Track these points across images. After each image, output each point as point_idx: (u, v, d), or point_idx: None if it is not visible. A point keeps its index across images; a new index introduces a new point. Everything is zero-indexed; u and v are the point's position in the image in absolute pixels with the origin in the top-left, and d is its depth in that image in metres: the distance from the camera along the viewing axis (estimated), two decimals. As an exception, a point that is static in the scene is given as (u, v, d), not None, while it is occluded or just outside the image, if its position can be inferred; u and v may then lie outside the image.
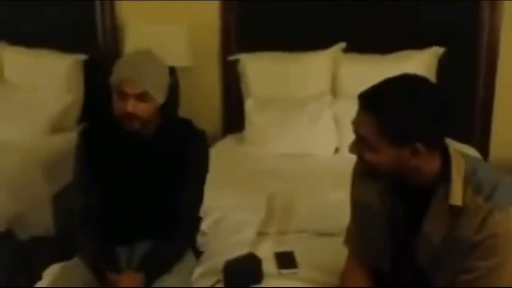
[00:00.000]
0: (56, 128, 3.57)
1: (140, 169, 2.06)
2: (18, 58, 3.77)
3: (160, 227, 2.02)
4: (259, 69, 3.55)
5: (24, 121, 3.48)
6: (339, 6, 3.48)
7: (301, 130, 3.27)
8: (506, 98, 3.46)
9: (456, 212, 1.50)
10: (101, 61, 3.68)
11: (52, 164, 3.25)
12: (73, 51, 3.70)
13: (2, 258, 2.86)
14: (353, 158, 1.61)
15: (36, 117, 3.51)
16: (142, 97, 1.94)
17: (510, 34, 3.39)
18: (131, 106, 1.93)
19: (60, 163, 3.20)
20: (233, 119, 3.72)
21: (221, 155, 3.03)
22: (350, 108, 1.59)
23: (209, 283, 1.96)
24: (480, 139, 3.49)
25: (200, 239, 2.24)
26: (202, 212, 2.18)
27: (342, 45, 3.50)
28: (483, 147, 3.44)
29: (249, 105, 3.47)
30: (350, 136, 1.55)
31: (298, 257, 2.08)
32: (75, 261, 2.06)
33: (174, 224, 2.02)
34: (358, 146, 1.54)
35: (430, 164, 1.52)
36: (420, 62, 3.26)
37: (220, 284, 1.95)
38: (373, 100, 1.48)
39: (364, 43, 3.39)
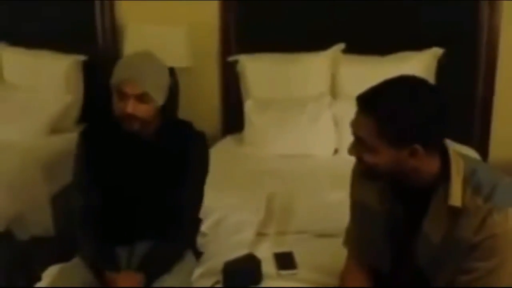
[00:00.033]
0: (56, 128, 3.57)
1: (140, 170, 2.06)
2: (18, 58, 3.78)
3: (160, 227, 2.02)
4: (259, 70, 3.55)
5: (23, 121, 3.48)
6: (339, 7, 3.48)
7: (301, 131, 3.28)
8: (506, 98, 3.47)
9: (456, 213, 1.50)
10: (101, 61, 3.69)
11: (51, 164, 3.25)
12: (72, 51, 3.70)
13: (1, 259, 2.86)
14: (352, 159, 1.61)
15: (35, 118, 3.51)
16: (142, 98, 1.94)
17: (510, 34, 3.39)
18: (131, 107, 1.93)
19: (59, 163, 3.20)
20: (233, 119, 3.72)
21: (221, 155, 3.03)
22: (349, 109, 1.60)
23: (208, 284, 1.96)
24: (480, 139, 3.49)
25: (200, 240, 2.24)
26: (202, 213, 2.18)
27: (342, 46, 3.50)
28: (483, 148, 3.44)
29: (249, 105, 3.47)
30: (350, 137, 1.56)
31: (298, 258, 2.08)
32: (75, 262, 2.06)
33: (174, 224, 2.03)
34: (357, 147, 1.54)
35: (429, 165, 1.52)
36: (420, 63, 3.26)
37: (220, 285, 1.95)
38: (371, 102, 1.48)
39: (364, 44, 3.39)
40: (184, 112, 3.20)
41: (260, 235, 2.32)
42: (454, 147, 1.60)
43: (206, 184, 2.13)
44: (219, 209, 2.46)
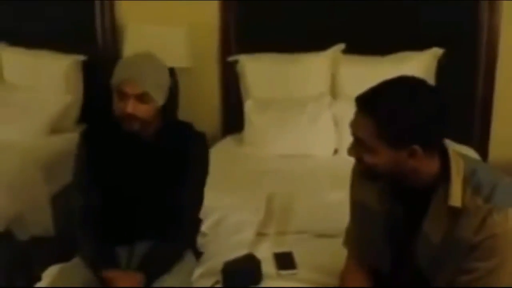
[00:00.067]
0: (55, 128, 3.57)
1: (140, 170, 2.06)
2: (18, 58, 3.77)
3: (160, 228, 2.02)
4: (259, 70, 3.55)
5: (23, 121, 3.48)
6: (339, 7, 3.48)
7: (301, 131, 3.28)
8: (506, 98, 3.47)
9: (456, 213, 1.50)
10: (101, 62, 3.69)
11: (51, 164, 3.25)
12: (72, 51, 3.70)
13: (1, 259, 2.86)
14: (352, 159, 1.61)
15: (35, 118, 3.51)
16: (142, 97, 1.94)
17: (509, 34, 3.39)
18: (131, 107, 1.93)
19: (59, 163, 3.20)
20: (233, 119, 3.72)
21: (221, 155, 3.03)
22: (349, 109, 1.59)
23: (208, 284, 1.96)
24: (480, 139, 3.49)
25: (200, 240, 2.24)
26: (202, 213, 2.18)
27: (342, 46, 3.50)
28: (483, 148, 3.45)
29: (249, 105, 3.47)
30: (349, 137, 1.56)
31: (297, 258, 2.08)
32: (75, 262, 2.06)
33: (174, 224, 2.03)
34: (357, 148, 1.54)
35: (429, 166, 1.52)
36: (420, 63, 3.27)
37: (219, 285, 1.94)
38: (370, 103, 1.48)
39: (364, 44, 3.39)
40: (184, 112, 3.20)
41: (260, 235, 2.32)
42: (454, 147, 1.60)
43: (206, 184, 2.13)
44: (219, 209, 2.46)
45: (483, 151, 3.43)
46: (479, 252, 1.49)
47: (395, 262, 1.67)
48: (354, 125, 1.53)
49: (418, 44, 3.34)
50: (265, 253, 2.11)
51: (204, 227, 2.31)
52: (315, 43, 3.47)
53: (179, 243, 2.08)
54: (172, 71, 2.22)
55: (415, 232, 1.58)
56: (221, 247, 2.21)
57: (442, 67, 3.32)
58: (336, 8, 3.49)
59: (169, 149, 2.06)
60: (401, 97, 1.47)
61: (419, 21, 3.40)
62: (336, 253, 1.92)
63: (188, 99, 3.60)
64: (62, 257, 2.15)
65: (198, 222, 2.21)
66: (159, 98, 1.99)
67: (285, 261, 2.07)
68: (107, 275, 1.90)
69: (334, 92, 3.47)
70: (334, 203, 2.38)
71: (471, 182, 1.51)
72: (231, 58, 3.64)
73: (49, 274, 2.09)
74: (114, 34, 3.80)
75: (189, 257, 2.10)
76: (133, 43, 3.49)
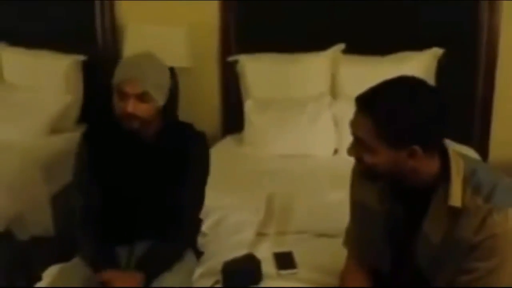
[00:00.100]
0: (55, 128, 3.57)
1: (140, 170, 2.06)
2: (18, 58, 3.77)
3: (160, 228, 2.02)
4: (259, 70, 3.55)
5: (23, 121, 3.48)
6: (339, 7, 3.48)
7: (301, 131, 3.28)
8: (506, 98, 3.47)
9: (456, 213, 1.50)
10: (101, 61, 3.69)
11: (51, 164, 3.25)
12: (72, 51, 3.70)
13: (1, 259, 2.86)
14: (352, 159, 1.61)
15: (35, 118, 3.51)
16: (142, 97, 1.94)
17: (509, 34, 3.39)
18: (131, 106, 1.93)
19: (59, 163, 3.20)
20: (233, 119, 3.72)
21: (221, 155, 3.03)
22: (349, 109, 1.59)
23: (208, 284, 1.97)
24: (480, 139, 3.49)
25: (200, 240, 2.24)
26: (202, 213, 2.18)
27: (342, 46, 3.50)
28: (483, 148, 3.44)
29: (249, 105, 3.47)
30: (349, 137, 1.56)
31: (297, 258, 2.08)
32: (75, 262, 2.06)
33: (174, 224, 2.03)
34: (356, 147, 1.54)
35: (428, 166, 1.52)
36: (420, 63, 3.27)
37: (219, 285, 1.95)
38: (370, 103, 1.48)
39: (364, 44, 3.39)
40: (184, 112, 3.19)
41: (260, 235, 2.32)
42: (454, 147, 1.60)
43: (206, 184, 2.13)
44: (219, 209, 2.46)
45: (483, 151, 3.43)
46: (479, 252, 1.49)
47: (395, 262, 1.67)
48: (354, 124, 1.53)
49: (418, 44, 3.34)
50: (265, 253, 2.11)
51: (204, 227, 2.31)
52: (315, 43, 3.47)
53: (179, 243, 2.08)
54: (172, 71, 2.22)
55: (415, 232, 1.58)
56: (221, 247, 2.21)
57: (442, 67, 3.32)
58: (336, 8, 3.49)
59: (169, 149, 2.06)
60: (401, 97, 1.47)
61: (419, 21, 3.40)
62: (336, 253, 1.92)
63: (188, 99, 3.60)
64: (62, 257, 2.15)
65: (198, 222, 2.21)
66: (159, 98, 1.99)
67: (285, 261, 2.07)
68: (106, 276, 1.90)
69: (334, 92, 3.47)
70: (334, 203, 2.38)
71: (471, 182, 1.51)
72: (231, 58, 3.64)
73: (49, 274, 2.09)
74: (114, 34, 3.80)
75: (189, 256, 2.10)
76: (133, 43, 3.49)
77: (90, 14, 3.77)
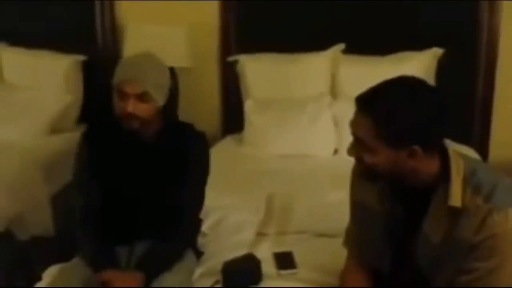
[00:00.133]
0: (55, 128, 3.57)
1: (140, 171, 2.06)
2: (18, 58, 3.77)
3: (160, 228, 2.02)
4: (259, 70, 3.55)
5: (23, 121, 3.48)
6: (339, 7, 3.48)
7: (301, 131, 3.28)
8: (506, 98, 3.47)
9: (456, 213, 1.50)
10: (101, 61, 3.70)
11: (51, 164, 3.25)
12: (72, 51, 3.70)
13: (1, 259, 2.86)
14: (352, 159, 1.61)
15: (35, 118, 3.51)
16: (142, 97, 1.95)
17: (509, 34, 3.39)
18: (131, 106, 1.94)
19: (59, 163, 3.20)
20: (233, 119, 3.72)
21: (221, 155, 3.03)
22: (349, 109, 1.59)
23: (208, 284, 1.97)
24: (480, 139, 3.49)
25: (200, 240, 2.24)
26: (202, 213, 2.18)
27: (342, 46, 3.50)
28: (483, 148, 3.45)
29: (249, 105, 3.47)
30: (349, 137, 1.56)
31: (297, 258, 2.08)
32: (74, 261, 2.06)
33: (174, 224, 2.03)
34: (356, 147, 1.54)
35: (428, 166, 1.52)
36: (420, 63, 3.27)
37: (219, 285, 1.95)
38: (370, 103, 1.48)
39: (364, 44, 3.39)
40: (184, 112, 3.19)
41: (260, 235, 2.32)
42: (454, 147, 1.60)
43: (206, 184, 2.13)
44: (219, 209, 2.46)
45: (483, 151, 3.43)
46: (479, 252, 1.49)
47: (395, 262, 1.67)
48: (354, 124, 1.53)
49: (418, 44, 3.34)
50: (265, 253, 2.11)
51: (204, 227, 2.31)
52: (315, 43, 3.47)
53: (179, 243, 2.08)
54: (172, 71, 2.22)
55: (415, 232, 1.58)
56: (221, 247, 2.21)
57: (442, 67, 3.32)
58: (336, 8, 3.49)
59: (169, 149, 2.06)
60: (401, 97, 1.47)
61: (419, 21, 3.40)
62: (336, 253, 1.92)
63: (188, 99, 3.60)
64: (62, 257, 2.15)
65: (198, 222, 2.21)
66: (159, 98, 1.99)
67: (285, 261, 2.07)
68: (106, 276, 1.90)
69: (334, 92, 3.47)
70: (334, 203, 2.38)
71: (471, 182, 1.51)
72: (231, 58, 3.64)
73: (49, 274, 2.09)
74: (114, 34, 3.80)
75: (189, 256, 2.10)
76: (133, 43, 3.49)
77: (90, 14, 3.77)
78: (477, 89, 3.46)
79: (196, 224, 2.20)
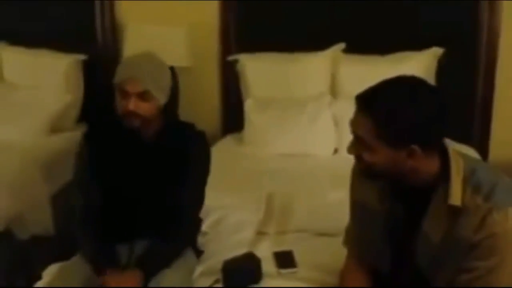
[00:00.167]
0: (55, 128, 3.57)
1: (141, 170, 2.06)
2: (18, 58, 3.77)
3: (160, 227, 2.03)
4: (259, 70, 3.55)
5: (23, 121, 3.48)
6: (339, 7, 3.48)
7: (301, 131, 3.28)
8: (506, 98, 3.47)
9: (455, 212, 1.50)
10: (101, 61, 3.70)
11: (51, 164, 3.25)
12: (72, 51, 3.70)
13: (1, 258, 2.86)
14: (352, 158, 1.62)
15: (35, 117, 3.51)
16: (143, 96, 1.96)
17: (509, 34, 3.39)
18: (133, 104, 1.94)
19: (59, 162, 3.20)
20: (233, 119, 3.72)
21: (221, 155, 3.02)
22: (349, 109, 1.60)
23: (208, 283, 1.97)
24: (480, 139, 3.49)
25: (200, 239, 2.25)
26: (202, 212, 2.18)
27: (342, 45, 3.50)
28: (483, 148, 3.45)
29: (249, 105, 3.47)
30: (349, 137, 1.56)
31: (297, 257, 2.08)
32: (74, 260, 2.07)
33: (174, 224, 2.03)
34: (356, 146, 1.54)
35: (428, 165, 1.52)
36: (420, 63, 3.27)
37: (219, 284, 1.95)
38: (370, 102, 1.48)
39: (364, 43, 3.39)
40: (184, 112, 3.19)
41: (260, 234, 2.32)
42: (454, 147, 1.60)
43: (206, 184, 2.13)
44: (219, 208, 2.46)
45: (483, 151, 3.43)
46: (479, 251, 1.49)
47: (395, 261, 1.67)
48: (354, 123, 1.53)
49: (418, 44, 3.34)
50: (265, 252, 2.11)
51: (204, 226, 2.31)
52: (315, 43, 3.47)
53: (179, 242, 2.08)
54: (172, 71, 2.23)
55: (415, 232, 1.58)
56: (221, 246, 2.22)
57: (442, 67, 3.32)
58: (336, 8, 3.49)
59: (169, 149, 2.06)
60: (400, 96, 1.47)
61: (419, 21, 3.40)
62: (336, 252, 1.92)
63: (188, 98, 3.60)
64: (62, 256, 2.15)
65: (198, 221, 2.22)
66: (160, 97, 2.00)
67: (285, 260, 2.08)
68: (105, 278, 1.90)
69: (334, 91, 3.47)
70: (334, 203, 2.38)
71: (471, 181, 1.51)
72: (231, 58, 3.64)
73: (49, 273, 2.09)
74: (114, 33, 3.80)
75: (189, 255, 2.10)
76: (133, 43, 3.49)
77: (90, 14, 3.77)
78: (477, 89, 3.46)
79: (196, 223, 2.20)
